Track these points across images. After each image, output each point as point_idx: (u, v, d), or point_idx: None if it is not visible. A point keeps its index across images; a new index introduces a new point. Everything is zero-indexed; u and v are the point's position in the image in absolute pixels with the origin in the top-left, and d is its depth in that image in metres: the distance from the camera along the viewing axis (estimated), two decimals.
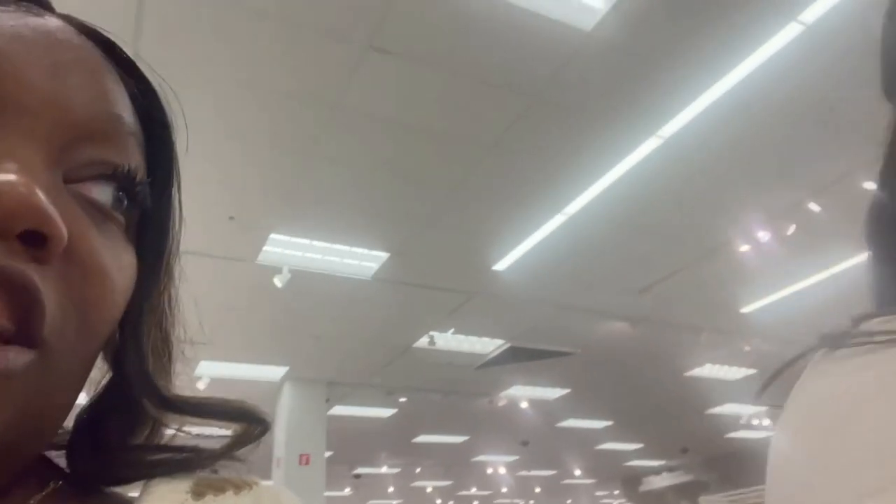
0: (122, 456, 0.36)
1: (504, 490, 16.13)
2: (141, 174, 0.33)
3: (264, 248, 4.55)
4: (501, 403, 8.54)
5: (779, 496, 0.30)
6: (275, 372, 7.00)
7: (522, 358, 6.98)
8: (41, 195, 0.26)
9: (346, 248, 4.67)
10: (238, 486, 0.34)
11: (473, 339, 6.55)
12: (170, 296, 0.37)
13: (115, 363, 0.36)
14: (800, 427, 0.30)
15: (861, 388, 0.28)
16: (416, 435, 10.50)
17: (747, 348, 7.10)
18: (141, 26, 2.72)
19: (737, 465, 12.93)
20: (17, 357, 0.26)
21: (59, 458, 0.36)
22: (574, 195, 4.23)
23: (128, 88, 0.35)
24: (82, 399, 0.38)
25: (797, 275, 5.56)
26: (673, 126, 3.63)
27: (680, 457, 13.58)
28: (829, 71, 3.28)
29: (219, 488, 0.34)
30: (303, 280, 4.89)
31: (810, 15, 2.94)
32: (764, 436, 11.74)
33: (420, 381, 7.71)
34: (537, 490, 17.01)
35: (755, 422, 10.65)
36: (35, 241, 0.26)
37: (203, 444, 0.37)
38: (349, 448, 10.65)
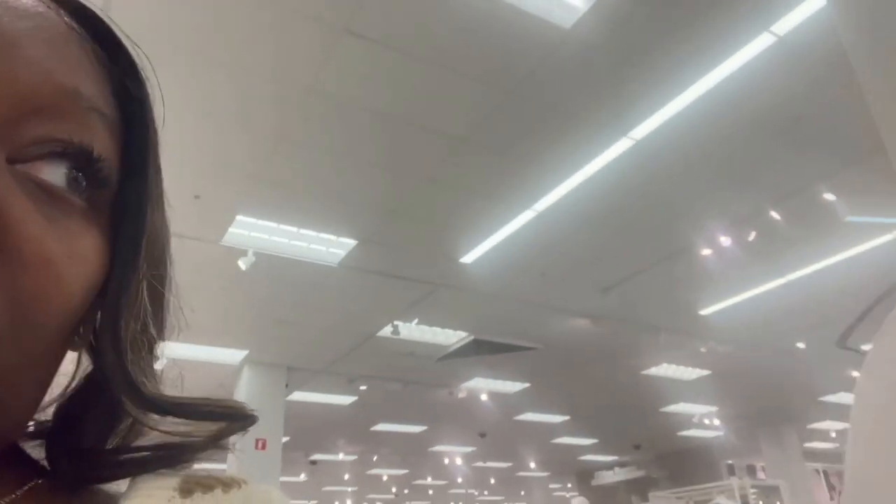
0: (103, 455, 0.34)
1: (459, 480, 16.27)
2: (100, 151, 0.31)
3: (230, 229, 4.47)
4: (461, 395, 8.59)
5: (869, 434, 0.31)
6: (234, 355, 6.90)
7: (485, 351, 7.02)
8: None
9: (314, 233, 4.62)
10: (227, 485, 0.33)
11: (437, 329, 6.56)
12: (150, 286, 0.35)
13: (95, 357, 0.34)
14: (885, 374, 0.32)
15: None
16: (374, 423, 10.49)
17: (703, 349, 7.29)
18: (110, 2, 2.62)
19: (686, 462, 13.30)
20: None
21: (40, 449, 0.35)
22: (544, 192, 4.26)
23: (103, 62, 0.32)
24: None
25: (755, 280, 5.72)
26: (644, 128, 3.68)
27: (632, 453, 13.88)
28: (797, 83, 3.36)
29: (207, 486, 0.33)
30: (268, 264, 4.82)
31: (783, 26, 3.00)
32: (713, 435, 12.09)
33: (381, 370, 7.70)
34: (492, 481, 17.22)
35: (706, 421, 10.95)
36: None
37: (186, 441, 0.35)
38: (306, 434, 10.59)
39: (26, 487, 0.32)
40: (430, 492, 19.16)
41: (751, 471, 12.19)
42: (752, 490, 7.77)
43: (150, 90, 0.35)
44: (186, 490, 0.32)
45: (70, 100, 0.30)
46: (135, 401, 0.32)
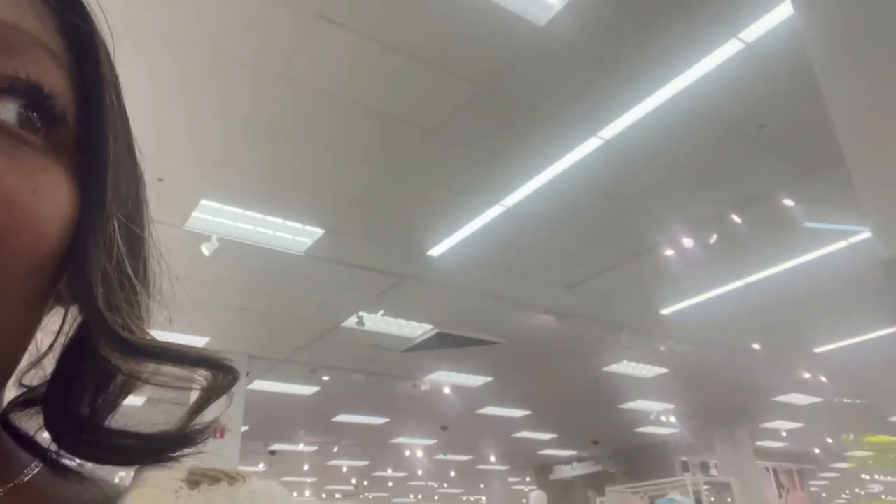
0: (101, 429, 0.33)
1: (420, 473, 16.32)
2: (51, 87, 0.30)
3: (194, 213, 4.38)
4: (425, 388, 8.60)
5: None
6: (194, 342, 6.70)
7: (449, 344, 7.04)
8: None
9: (281, 220, 4.56)
10: (232, 478, 0.33)
11: (402, 322, 6.55)
12: (124, 226, 0.34)
13: (77, 305, 0.33)
14: None
15: None
16: (336, 414, 10.45)
17: (662, 348, 7.44)
18: None
19: (642, 458, 13.59)
20: None
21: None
22: (513, 188, 4.28)
23: (48, 2, 0.31)
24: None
25: (714, 282, 5.85)
26: (614, 128, 3.73)
27: (590, 448, 14.11)
28: (762, 90, 3.45)
29: (213, 478, 0.32)
30: (232, 250, 4.74)
31: (751, 34, 3.07)
32: (669, 432, 12.38)
33: (345, 361, 7.66)
34: (452, 474, 17.32)
35: (663, 418, 11.20)
36: None
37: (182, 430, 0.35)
38: (267, 424, 10.49)
39: (21, 478, 0.31)
40: (390, 484, 19.18)
41: (704, 467, 12.52)
42: (705, 486, 7.97)
43: (98, 25, 0.34)
44: (193, 481, 0.32)
45: (11, 34, 0.29)
46: (112, 345, 0.31)
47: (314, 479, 17.40)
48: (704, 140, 3.86)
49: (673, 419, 11.29)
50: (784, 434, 13.12)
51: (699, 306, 6.34)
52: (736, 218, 4.66)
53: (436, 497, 22.98)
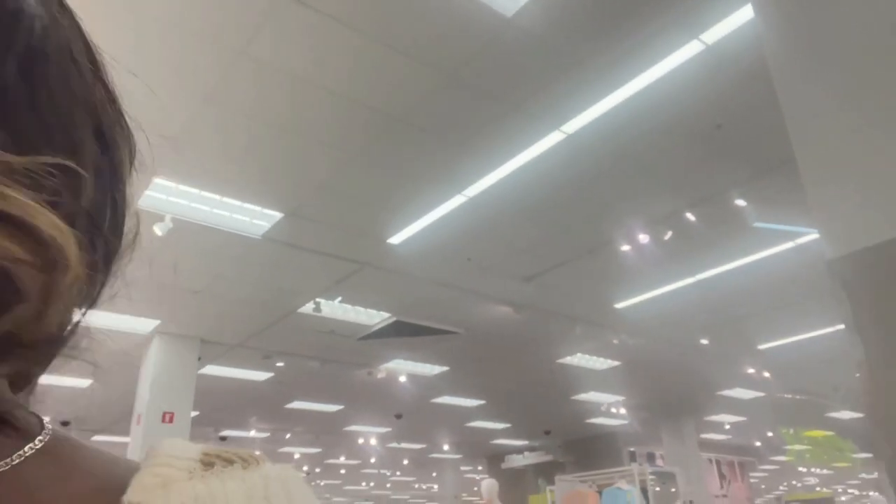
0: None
1: (373, 460, 16.32)
2: None
3: (146, 192, 4.25)
4: (380, 376, 8.59)
5: None
6: (145, 324, 6.60)
7: (407, 333, 7.04)
8: None
9: (238, 202, 4.47)
10: (246, 461, 0.32)
11: (360, 309, 6.52)
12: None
13: None
14: None
15: None
16: (289, 401, 10.34)
17: (615, 341, 7.60)
18: None
19: (592, 448, 13.89)
20: None
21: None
22: (475, 178, 4.29)
23: None
24: None
25: (667, 278, 6.00)
26: (576, 123, 3.77)
27: (542, 438, 14.35)
28: (721, 91, 3.53)
29: (227, 460, 0.31)
30: (186, 231, 4.62)
31: (712, 35, 3.14)
32: (619, 423, 12.68)
33: (300, 347, 7.58)
34: (405, 462, 17.38)
35: (613, 410, 11.47)
36: None
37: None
38: (218, 409, 10.31)
39: (26, 452, 0.29)
40: (343, 471, 19.14)
41: (650, 458, 12.89)
42: (651, 476, 8.21)
43: None
44: (207, 462, 0.31)
45: None
46: None
47: None
48: (663, 138, 3.93)
49: (623, 411, 11.57)
50: (727, 427, 13.59)
51: (652, 301, 6.49)
52: (690, 216, 4.78)
53: (388, 485, 23.03)
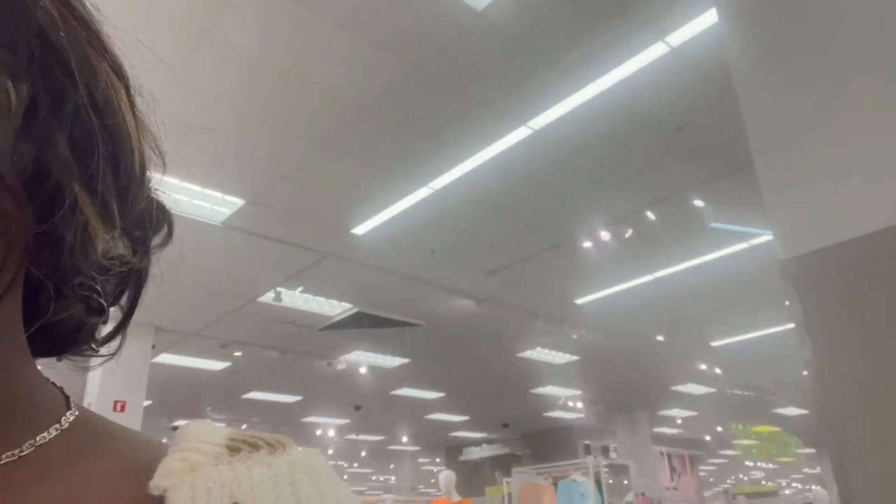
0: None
1: (330, 452, 16.23)
2: None
3: None
4: (340, 367, 8.54)
5: None
6: None
7: (368, 324, 7.01)
8: None
9: (198, 188, 4.37)
10: (272, 446, 0.32)
11: (322, 299, 6.46)
12: None
13: None
14: None
15: None
16: (247, 391, 10.20)
17: (575, 336, 7.72)
18: None
19: (548, 441, 14.09)
20: None
21: None
22: (441, 171, 4.29)
23: None
24: None
25: (626, 275, 6.11)
26: (542, 119, 3.80)
27: (500, 431, 14.49)
28: (683, 93, 3.60)
29: (253, 445, 0.31)
30: None
31: (677, 38, 3.19)
32: (575, 417, 12.90)
33: (259, 337, 7.48)
34: (363, 454, 17.33)
35: (570, 404, 11.65)
36: None
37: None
38: (172, 399, 10.11)
39: (53, 433, 0.29)
40: None
41: (604, 451, 13.14)
42: (605, 468, 8.37)
43: None
44: (233, 447, 0.31)
45: None
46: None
47: None
48: (626, 138, 4.00)
49: (580, 405, 11.77)
50: (679, 421, 13.96)
51: (611, 297, 6.61)
52: (651, 215, 4.88)
53: (345, 476, 22.96)
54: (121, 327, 0.36)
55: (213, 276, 5.79)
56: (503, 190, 4.53)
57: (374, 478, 23.47)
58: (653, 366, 9.24)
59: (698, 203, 4.70)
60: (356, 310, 6.65)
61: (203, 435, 0.31)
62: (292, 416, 12.17)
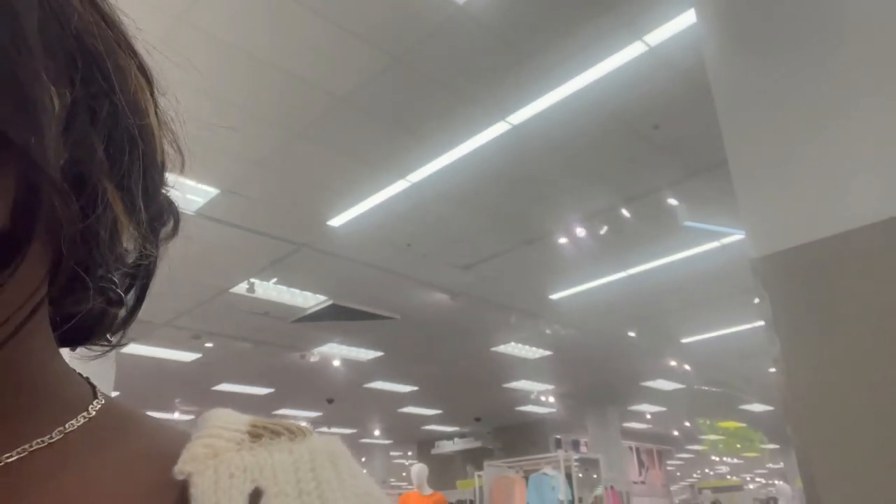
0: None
1: None
2: None
3: None
4: (314, 359, 8.49)
5: None
6: None
7: (342, 317, 6.97)
8: None
9: (171, 175, 4.28)
10: (293, 433, 0.32)
11: (296, 291, 6.41)
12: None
13: None
14: None
15: None
16: (217, 383, 10.08)
17: (548, 331, 7.78)
18: None
19: (520, 435, 14.20)
20: None
21: None
22: (419, 164, 4.28)
23: None
24: None
25: (600, 271, 6.18)
26: (521, 115, 3.81)
27: (473, 425, 14.56)
28: (660, 92, 3.64)
29: (275, 431, 0.32)
30: None
31: (655, 38, 3.22)
32: (547, 411, 13.02)
33: (231, 328, 7.39)
34: None
35: (542, 398, 11.76)
36: None
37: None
38: (140, 390, 9.95)
39: (79, 422, 0.30)
40: None
41: (575, 445, 13.30)
42: (575, 462, 8.48)
43: None
44: (255, 434, 0.31)
45: None
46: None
47: None
48: (603, 135, 4.03)
49: (551, 399, 11.88)
50: (649, 417, 14.18)
51: (585, 293, 6.67)
52: (625, 212, 4.93)
53: None
54: (129, 317, 0.37)
55: (185, 265, 5.70)
56: (480, 184, 4.54)
57: None
58: (624, 362, 9.36)
59: (672, 201, 4.77)
60: (330, 302, 6.61)
61: (226, 422, 0.32)
62: (264, 408, 12.06)
